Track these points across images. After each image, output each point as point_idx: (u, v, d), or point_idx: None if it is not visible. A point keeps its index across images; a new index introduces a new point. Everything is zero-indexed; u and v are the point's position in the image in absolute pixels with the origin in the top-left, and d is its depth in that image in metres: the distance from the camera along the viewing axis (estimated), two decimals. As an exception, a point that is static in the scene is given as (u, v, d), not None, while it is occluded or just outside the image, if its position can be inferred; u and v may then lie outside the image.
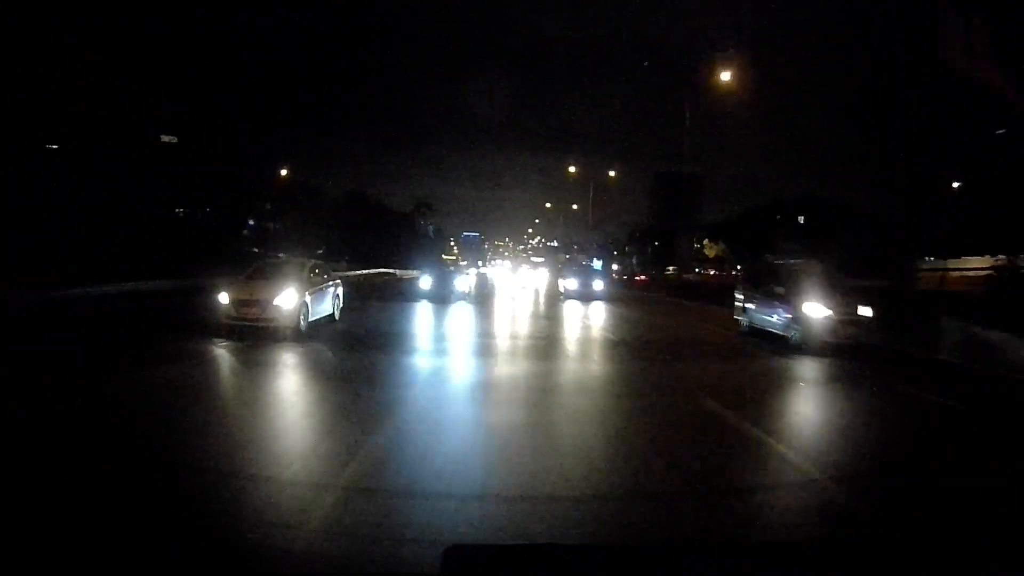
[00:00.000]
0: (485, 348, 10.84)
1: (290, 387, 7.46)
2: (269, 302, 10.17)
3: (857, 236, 32.34)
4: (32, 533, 2.76)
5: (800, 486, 4.09)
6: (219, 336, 9.96)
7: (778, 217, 42.28)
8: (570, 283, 23.84)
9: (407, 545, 2.99)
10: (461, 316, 16.31)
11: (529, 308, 20.66)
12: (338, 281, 13.12)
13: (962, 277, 25.72)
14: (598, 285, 23.59)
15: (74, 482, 3.58)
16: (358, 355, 9.44)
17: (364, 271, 30.14)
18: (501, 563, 1.74)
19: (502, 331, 13.56)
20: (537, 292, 31.14)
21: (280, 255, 13.60)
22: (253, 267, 11.82)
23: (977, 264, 26.76)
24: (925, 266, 27.48)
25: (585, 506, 3.64)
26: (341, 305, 13.16)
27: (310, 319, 10.96)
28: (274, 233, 34.84)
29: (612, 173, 52.99)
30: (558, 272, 32.78)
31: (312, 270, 11.61)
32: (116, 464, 4.03)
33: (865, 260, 27.55)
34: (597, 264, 62.73)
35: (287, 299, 10.26)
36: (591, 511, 3.59)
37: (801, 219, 39.04)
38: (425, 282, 21.13)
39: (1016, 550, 1.76)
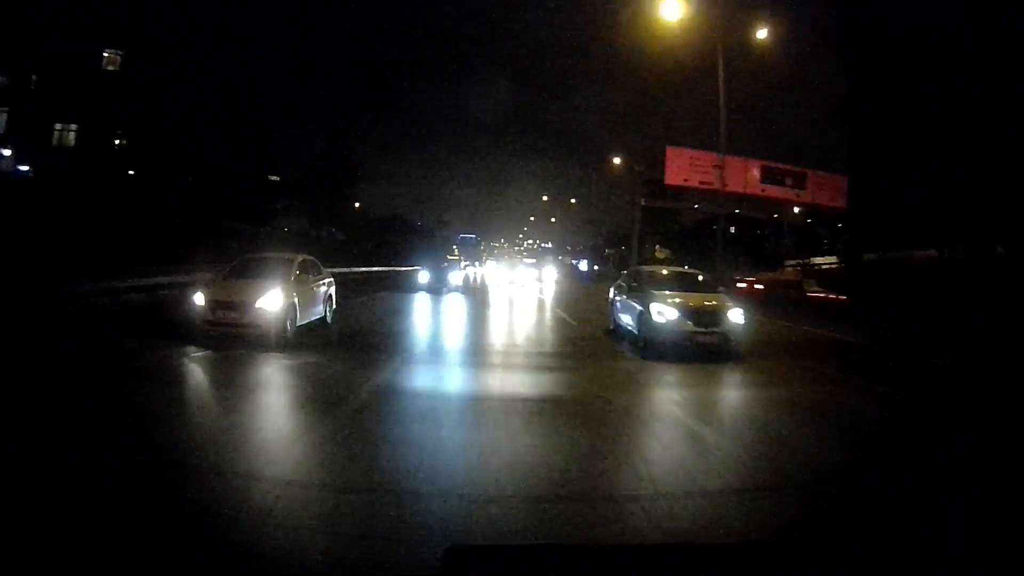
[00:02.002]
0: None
1: (268, 413, 6.17)
2: (251, 304, 8.86)
3: (775, 242, 40.84)
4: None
5: None
6: (193, 343, 8.68)
7: (714, 227, 50.50)
8: (669, 312, 9.16)
9: (407, 545, 2.95)
10: (457, 314, 15.39)
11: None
12: (330, 279, 11.79)
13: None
14: (736, 317, 9.45)
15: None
16: (349, 368, 8.10)
17: (401, 268, 36.84)
18: (501, 563, 1.70)
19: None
20: (544, 311, 18.42)
21: (268, 252, 11.80)
22: (233, 264, 10.46)
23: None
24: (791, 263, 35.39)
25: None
26: (334, 306, 11.85)
27: (298, 323, 9.66)
28: (340, 243, 44.24)
29: (573, 200, 63.23)
30: (627, 283, 12.07)
31: (300, 267, 10.27)
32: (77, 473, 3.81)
33: (767, 260, 36.19)
34: (583, 265, 64.41)
35: (271, 301, 8.94)
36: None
37: (732, 229, 45.76)
38: (423, 276, 23.53)
39: None
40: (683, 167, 27.46)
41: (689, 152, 27.87)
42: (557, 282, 39.63)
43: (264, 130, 38.15)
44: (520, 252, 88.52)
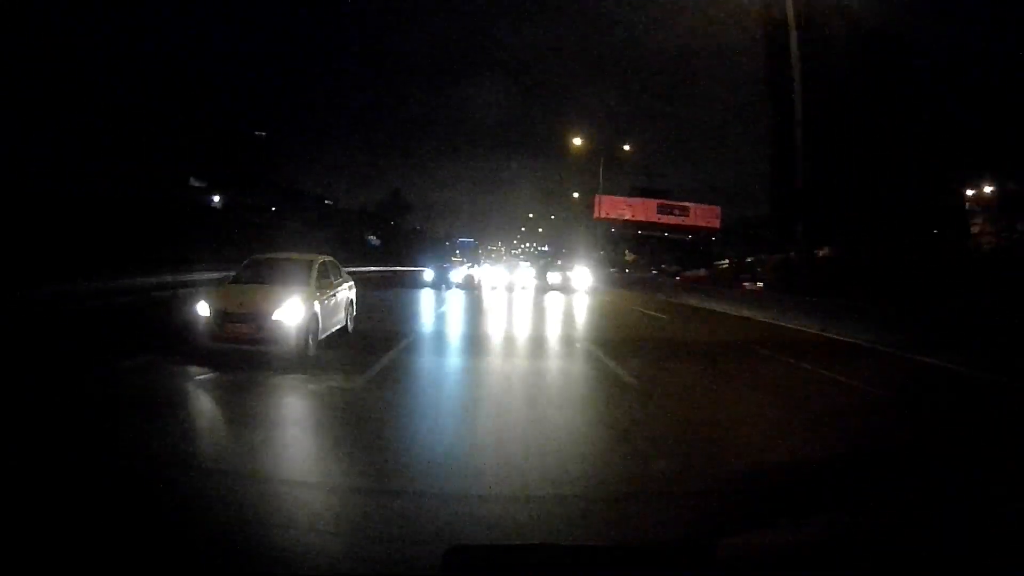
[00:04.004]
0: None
1: (295, 459, 4.70)
2: (266, 316, 7.41)
3: (719, 247, 49.90)
4: None
5: None
6: (197, 360, 7.24)
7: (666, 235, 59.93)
8: None
9: (407, 545, 2.89)
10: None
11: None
12: (351, 283, 10.35)
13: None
14: None
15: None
16: (390, 395, 6.71)
17: (409, 268, 41.98)
18: (501, 563, 1.73)
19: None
20: None
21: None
22: (243, 265, 8.98)
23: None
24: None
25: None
26: (355, 312, 10.41)
27: (320, 337, 8.23)
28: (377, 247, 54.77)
29: (552, 217, 73.17)
30: None
31: (321, 270, 8.82)
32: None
33: (703, 258, 46.27)
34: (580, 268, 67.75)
35: (291, 312, 7.49)
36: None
37: (689, 236, 53.00)
38: (428, 275, 27.83)
39: None
40: (604, 207, 43.18)
41: (609, 197, 44.09)
42: (589, 292, 26.56)
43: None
44: (518, 255, 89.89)
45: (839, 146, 28.40)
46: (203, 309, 7.63)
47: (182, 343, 7.83)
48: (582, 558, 1.89)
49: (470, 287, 28.41)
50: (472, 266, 49.81)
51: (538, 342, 11.42)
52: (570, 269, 30.18)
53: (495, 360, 9.29)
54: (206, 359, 7.28)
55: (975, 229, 30.37)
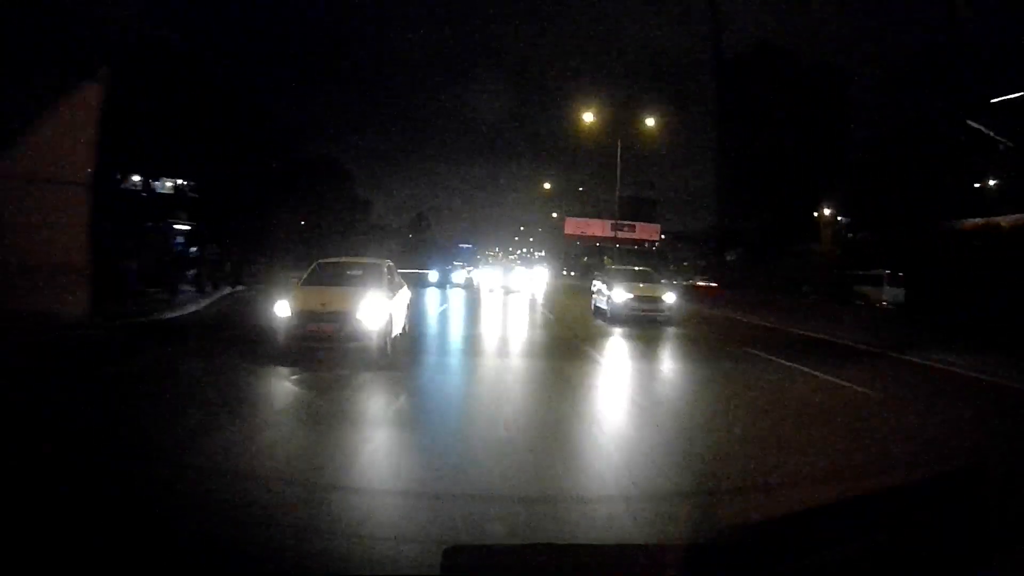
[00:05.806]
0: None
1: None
2: (350, 315, 7.68)
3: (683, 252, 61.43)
4: None
5: None
6: (282, 360, 7.49)
7: (636, 248, 64.93)
8: None
9: (407, 545, 2.88)
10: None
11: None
12: (405, 285, 10.66)
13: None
14: None
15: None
16: (490, 388, 7.04)
17: (413, 269, 47.68)
18: (500, 563, 1.75)
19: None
20: None
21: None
22: (311, 269, 9.23)
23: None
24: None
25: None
26: (408, 312, 10.71)
27: (392, 335, 8.52)
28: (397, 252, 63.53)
29: (540, 230, 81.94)
30: None
31: (390, 273, 9.12)
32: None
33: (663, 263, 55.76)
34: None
35: (373, 312, 7.77)
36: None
37: (636, 247, 60.87)
38: (432, 276, 32.03)
39: None
40: (571, 226, 57.93)
41: (575, 219, 58.15)
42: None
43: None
44: (515, 260, 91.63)
45: (751, 180, 41.54)
46: (282, 309, 7.87)
47: (261, 341, 8.11)
48: (581, 558, 1.90)
49: (469, 288, 32.89)
50: (471, 270, 51.80)
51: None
52: (655, 281, 15.97)
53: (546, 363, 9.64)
54: (289, 358, 7.55)
55: (827, 239, 41.48)
